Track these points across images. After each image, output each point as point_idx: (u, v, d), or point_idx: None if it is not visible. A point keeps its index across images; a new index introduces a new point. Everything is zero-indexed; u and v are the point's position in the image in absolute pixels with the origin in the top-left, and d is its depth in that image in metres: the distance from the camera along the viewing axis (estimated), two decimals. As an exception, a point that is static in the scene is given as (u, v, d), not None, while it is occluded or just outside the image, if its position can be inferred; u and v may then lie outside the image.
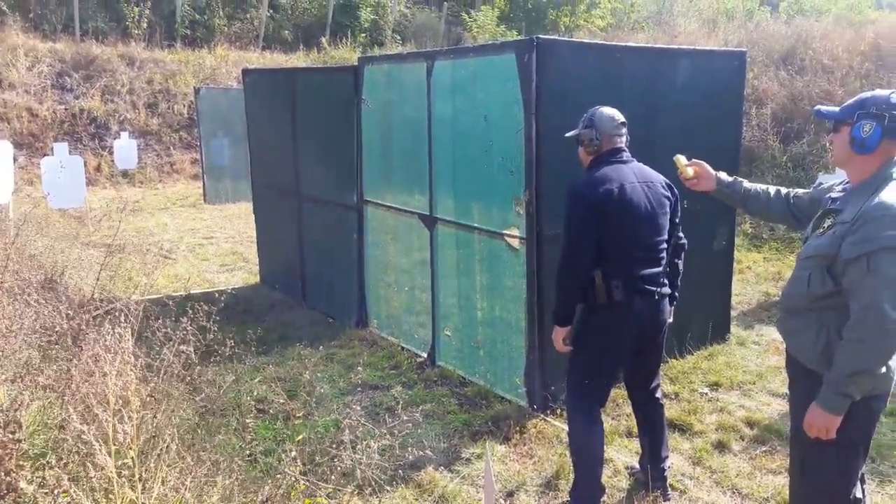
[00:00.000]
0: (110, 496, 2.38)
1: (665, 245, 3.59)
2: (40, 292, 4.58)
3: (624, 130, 3.58)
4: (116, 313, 3.26)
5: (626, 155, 3.57)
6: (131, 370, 2.49)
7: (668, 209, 3.58)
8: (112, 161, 15.54)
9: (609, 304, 3.44)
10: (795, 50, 12.83)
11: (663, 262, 3.58)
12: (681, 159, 3.31)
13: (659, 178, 3.60)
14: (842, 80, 11.46)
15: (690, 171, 3.26)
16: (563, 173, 4.11)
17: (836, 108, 2.67)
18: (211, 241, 10.68)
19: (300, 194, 7.26)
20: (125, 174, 15.59)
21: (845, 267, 2.46)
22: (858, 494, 2.73)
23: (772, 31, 14.17)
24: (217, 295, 3.90)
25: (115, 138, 15.63)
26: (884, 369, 2.48)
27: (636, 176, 3.51)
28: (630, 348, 3.61)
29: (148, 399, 2.87)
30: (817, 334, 2.59)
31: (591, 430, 3.60)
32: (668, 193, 3.59)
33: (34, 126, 15.40)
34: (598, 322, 3.52)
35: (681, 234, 3.70)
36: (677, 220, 3.67)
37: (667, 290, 3.60)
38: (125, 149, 15.21)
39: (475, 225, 5.12)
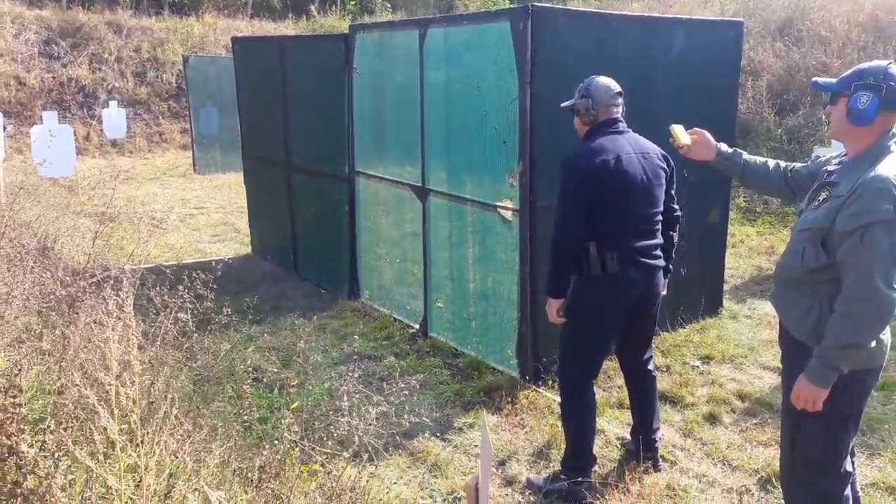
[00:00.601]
0: (108, 460, 2.39)
1: (660, 217, 3.57)
2: (37, 259, 4.55)
3: (620, 101, 3.54)
4: (112, 281, 3.23)
5: (623, 125, 3.53)
6: (133, 335, 2.47)
7: (663, 181, 3.55)
8: (101, 130, 15.38)
9: (603, 275, 3.41)
10: (793, 21, 12.72)
11: (658, 233, 3.57)
12: (677, 129, 3.25)
13: (655, 149, 3.57)
14: (839, 52, 11.38)
15: (688, 140, 3.20)
16: (558, 144, 4.08)
17: (834, 80, 2.62)
18: (202, 211, 10.62)
19: (291, 165, 7.19)
20: (114, 143, 15.45)
21: (840, 239, 2.44)
22: (849, 468, 2.73)
23: (769, 1, 14.04)
24: (214, 264, 3.88)
25: (103, 107, 15.46)
26: (874, 343, 2.47)
27: (632, 147, 3.47)
28: (623, 320, 3.60)
29: (149, 364, 2.87)
30: (810, 308, 2.58)
31: (583, 401, 3.61)
32: (664, 164, 3.57)
33: (22, 94, 15.21)
34: (592, 294, 3.51)
35: (676, 206, 3.68)
36: (673, 192, 3.65)
37: (661, 262, 3.59)
38: (114, 118, 15.04)
39: (468, 196, 5.08)
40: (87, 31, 16.75)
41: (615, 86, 3.52)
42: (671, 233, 3.68)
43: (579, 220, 3.38)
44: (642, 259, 3.48)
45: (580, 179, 3.38)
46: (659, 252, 3.58)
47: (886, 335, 2.54)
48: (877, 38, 11.32)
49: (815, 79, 2.73)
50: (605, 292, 3.50)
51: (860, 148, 2.54)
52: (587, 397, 3.63)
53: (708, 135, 3.22)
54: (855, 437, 2.74)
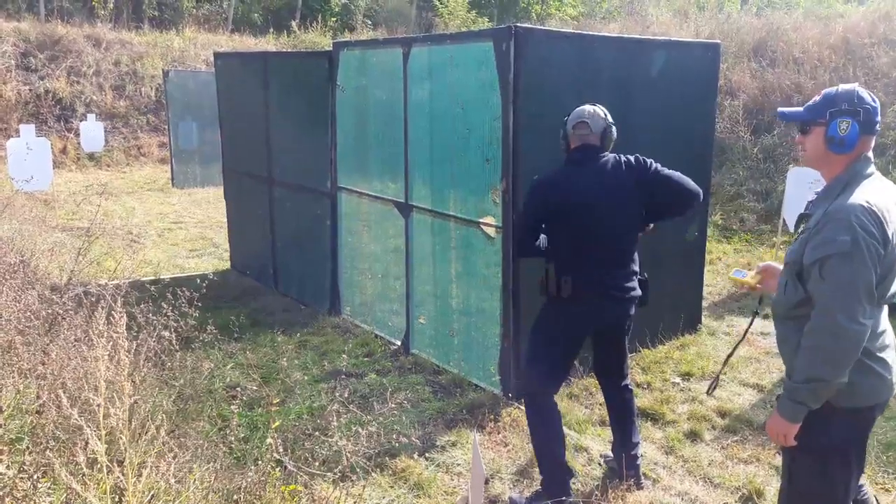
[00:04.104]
0: (87, 480, 2.35)
1: (630, 248, 3.62)
2: (20, 276, 4.48)
3: (585, 130, 3.55)
4: (94, 298, 3.19)
5: (591, 152, 3.55)
6: (125, 354, 2.44)
7: (634, 208, 3.55)
8: (78, 143, 15.24)
9: (559, 298, 3.54)
10: (766, 42, 12.96)
11: (627, 265, 3.61)
12: (736, 276, 2.96)
13: (623, 174, 3.53)
14: (811, 73, 11.60)
15: (754, 281, 2.92)
16: (540, 162, 4.11)
17: (800, 109, 2.55)
18: (180, 225, 10.54)
19: (273, 180, 7.17)
20: (92, 157, 15.31)
21: (807, 273, 2.39)
22: None
23: (743, 23, 14.30)
24: (199, 281, 3.85)
25: (81, 120, 15.33)
26: (844, 378, 2.33)
27: (596, 176, 3.50)
28: (583, 342, 3.70)
29: (135, 384, 2.84)
30: (796, 344, 2.46)
31: (543, 414, 3.64)
32: (633, 178, 3.52)
33: (-3, 106, 15.05)
34: (552, 312, 3.64)
35: (684, 183, 3.55)
36: (668, 173, 3.54)
37: (630, 293, 3.60)
38: (92, 131, 14.93)
39: (451, 213, 5.10)
40: (65, 45, 16.64)
41: (586, 115, 3.57)
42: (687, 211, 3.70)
43: (526, 229, 3.68)
44: (603, 289, 3.54)
45: (529, 194, 3.64)
46: (627, 283, 3.60)
47: (888, 369, 2.43)
48: (848, 60, 11.55)
49: (780, 109, 2.67)
50: (563, 314, 3.60)
51: (831, 176, 2.48)
52: (547, 409, 3.65)
53: (773, 264, 2.93)
54: (860, 474, 2.60)
